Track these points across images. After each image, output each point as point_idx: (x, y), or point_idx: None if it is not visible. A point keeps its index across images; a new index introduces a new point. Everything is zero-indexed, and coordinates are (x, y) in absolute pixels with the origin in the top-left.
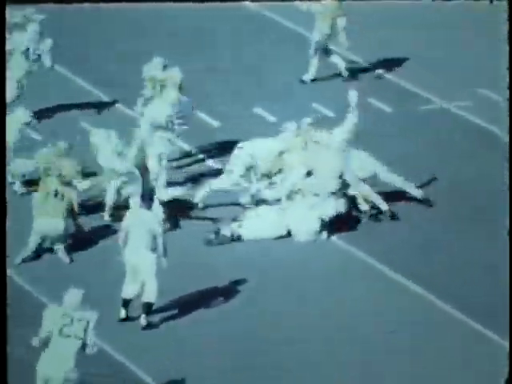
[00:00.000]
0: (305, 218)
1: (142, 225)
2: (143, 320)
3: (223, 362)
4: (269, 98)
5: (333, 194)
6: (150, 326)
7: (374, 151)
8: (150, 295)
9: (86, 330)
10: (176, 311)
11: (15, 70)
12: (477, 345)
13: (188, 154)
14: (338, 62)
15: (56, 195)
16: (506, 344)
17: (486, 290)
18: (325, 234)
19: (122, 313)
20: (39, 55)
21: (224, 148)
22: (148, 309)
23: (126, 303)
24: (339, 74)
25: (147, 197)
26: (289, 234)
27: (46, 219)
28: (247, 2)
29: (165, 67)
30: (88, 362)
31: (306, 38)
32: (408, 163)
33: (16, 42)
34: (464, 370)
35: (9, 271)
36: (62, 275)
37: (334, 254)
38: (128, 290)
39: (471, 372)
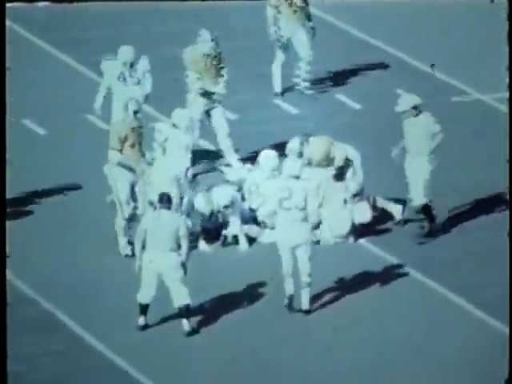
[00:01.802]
0: (336, 220)
1: (163, 226)
2: (186, 325)
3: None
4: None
5: (355, 196)
6: (193, 331)
7: None
8: (184, 297)
9: (306, 200)
10: (202, 317)
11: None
12: (479, 334)
13: (207, 152)
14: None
15: None
16: (506, 331)
17: (488, 283)
18: (352, 238)
19: (141, 319)
20: (138, 79)
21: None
22: (186, 312)
23: (144, 309)
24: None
25: (166, 197)
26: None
27: None
28: None
29: (213, 40)
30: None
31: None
32: (438, 158)
33: (108, 68)
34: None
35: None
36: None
37: (357, 256)
38: (146, 295)
39: (473, 365)
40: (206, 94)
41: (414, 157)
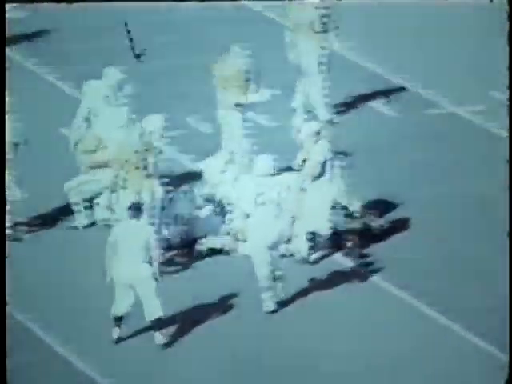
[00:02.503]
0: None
1: (133, 237)
2: (160, 338)
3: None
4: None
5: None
6: (166, 344)
7: (376, 159)
8: (156, 310)
9: (279, 193)
10: (176, 328)
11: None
12: (476, 359)
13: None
14: None
15: None
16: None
17: (485, 300)
18: (314, 253)
19: (116, 332)
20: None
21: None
22: (158, 324)
23: (119, 321)
24: None
25: (134, 206)
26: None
27: None
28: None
29: (244, 54)
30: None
31: None
32: (412, 172)
33: (92, 88)
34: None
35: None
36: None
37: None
38: (120, 307)
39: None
40: (239, 106)
41: (313, 183)
